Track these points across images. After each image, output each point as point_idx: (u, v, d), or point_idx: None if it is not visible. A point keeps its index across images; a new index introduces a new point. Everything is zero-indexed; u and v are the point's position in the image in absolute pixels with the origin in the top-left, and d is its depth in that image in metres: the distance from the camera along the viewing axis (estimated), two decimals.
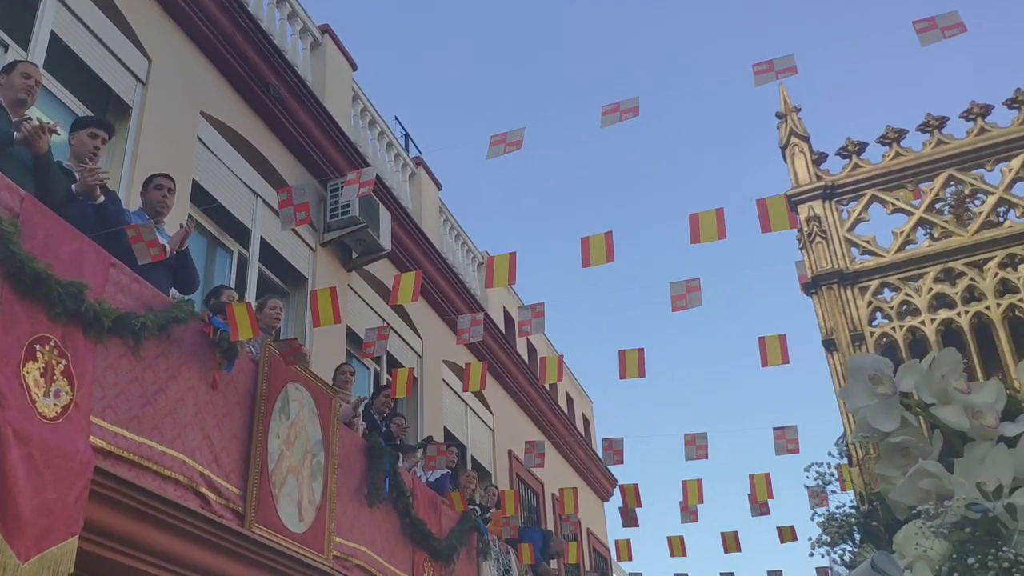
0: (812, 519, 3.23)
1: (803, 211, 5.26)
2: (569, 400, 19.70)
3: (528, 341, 16.92)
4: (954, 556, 2.42)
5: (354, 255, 9.71)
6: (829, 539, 3.14)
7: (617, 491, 11.63)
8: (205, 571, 5.35)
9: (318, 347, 8.39)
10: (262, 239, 8.35)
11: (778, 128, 5.68)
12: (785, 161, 5.53)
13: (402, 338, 11.16)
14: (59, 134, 4.87)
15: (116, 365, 4.79)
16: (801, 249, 5.24)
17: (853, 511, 3.17)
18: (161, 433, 5.01)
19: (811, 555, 3.21)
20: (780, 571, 11.15)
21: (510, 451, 14.38)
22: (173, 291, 5.71)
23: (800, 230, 5.24)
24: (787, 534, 9.67)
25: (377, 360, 10.39)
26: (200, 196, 7.53)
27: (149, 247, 4.92)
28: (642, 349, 6.74)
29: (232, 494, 5.60)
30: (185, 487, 5.16)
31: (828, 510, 3.20)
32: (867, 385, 2.76)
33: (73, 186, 5.07)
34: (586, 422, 20.53)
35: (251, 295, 7.90)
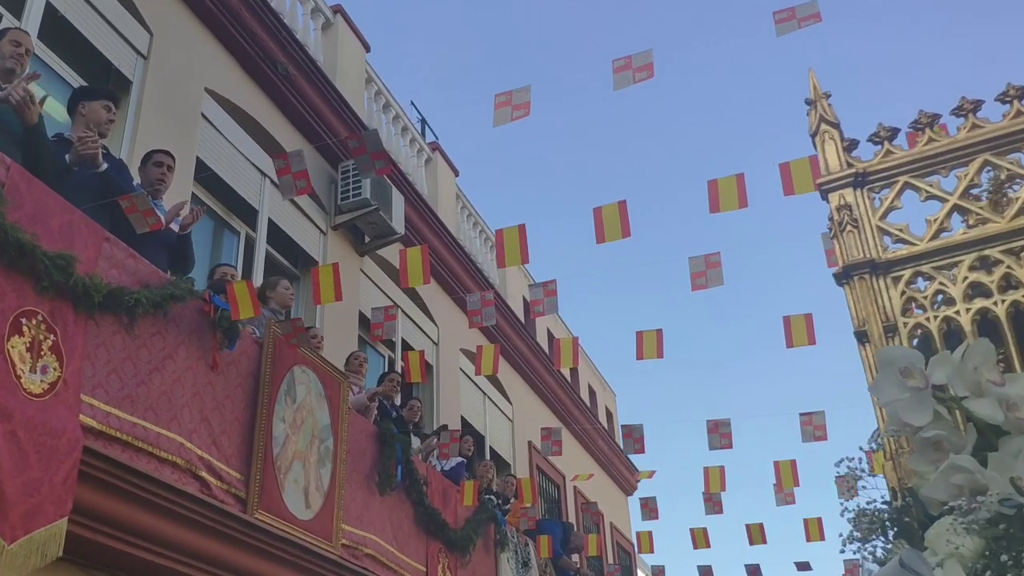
0: (842, 515, 3.08)
1: (834, 199, 5.06)
2: (592, 393, 19.47)
3: (548, 329, 16.71)
4: (987, 553, 2.36)
5: (366, 239, 9.54)
6: (860, 535, 2.99)
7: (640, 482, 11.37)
8: (205, 558, 5.20)
9: (329, 332, 8.22)
10: (270, 220, 8.19)
11: (807, 115, 5.48)
12: (815, 148, 5.33)
13: (417, 325, 10.99)
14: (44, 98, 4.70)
15: (109, 342, 4.64)
16: (832, 238, 5.02)
17: (885, 506, 3.01)
18: (156, 414, 4.86)
19: (842, 551, 3.08)
20: (807, 563, 10.87)
21: (530, 442, 14.18)
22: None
23: (831, 219, 5.03)
24: (814, 529, 9.38)
25: (391, 346, 10.22)
26: (205, 175, 7.38)
27: (145, 216, 4.75)
28: (660, 330, 6.54)
29: (233, 479, 5.44)
30: (183, 470, 5.00)
31: (859, 504, 3.05)
32: (898, 378, 2.68)
33: (67, 156, 4.91)
34: (609, 415, 20.29)
35: (259, 277, 7.75)
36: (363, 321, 9.18)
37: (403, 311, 10.64)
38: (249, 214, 8.03)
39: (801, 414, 7.10)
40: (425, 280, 5.44)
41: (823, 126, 5.35)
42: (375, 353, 10.14)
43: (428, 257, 5.37)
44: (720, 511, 8.36)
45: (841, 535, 3.17)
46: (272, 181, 7.82)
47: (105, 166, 5.07)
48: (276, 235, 8.35)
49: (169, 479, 4.83)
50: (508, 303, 13.97)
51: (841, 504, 3.06)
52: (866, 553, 3.05)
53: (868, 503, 3.08)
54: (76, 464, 4.14)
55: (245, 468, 5.55)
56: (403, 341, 10.27)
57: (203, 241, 7.42)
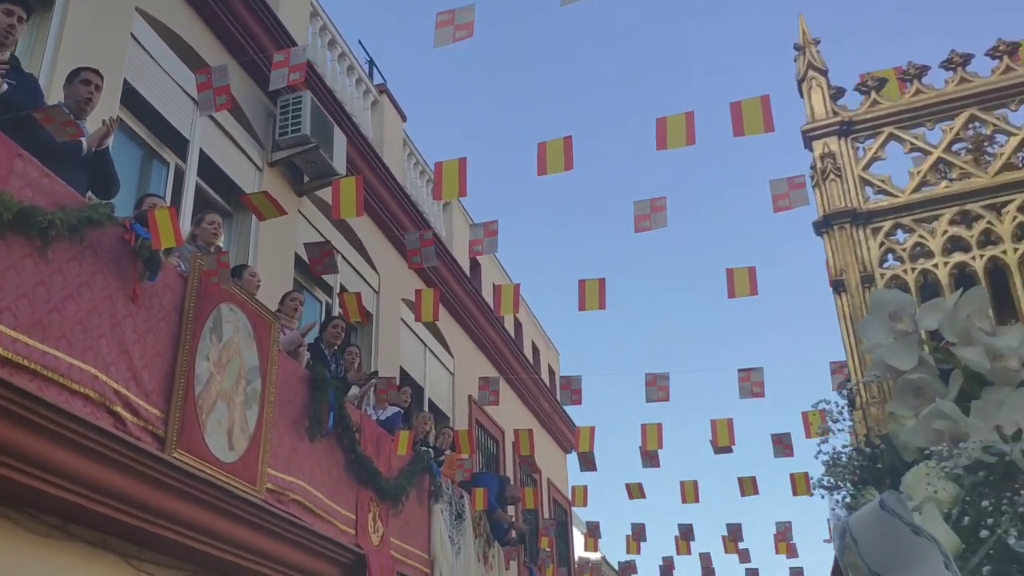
0: (816, 457, 3.08)
1: (818, 147, 5.07)
2: (535, 351, 19.52)
3: (493, 284, 16.62)
4: (966, 499, 2.40)
5: (305, 179, 9.29)
6: (832, 481, 3.02)
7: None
8: (119, 496, 5.05)
9: (262, 273, 7.99)
10: (202, 152, 7.90)
11: (795, 60, 5.48)
12: (801, 95, 5.33)
13: (357, 271, 10.80)
14: None
15: (19, 265, 4.44)
16: (814, 187, 5.06)
17: (855, 453, 3.03)
18: (70, 344, 4.67)
19: (812, 495, 3.10)
20: (739, 525, 11.10)
21: (470, 396, 14.14)
22: (89, 195, 5.32)
23: (813, 167, 5.05)
24: (748, 486, 9.57)
25: (328, 291, 10.04)
26: (133, 99, 7.07)
27: (64, 127, 4.51)
28: (603, 279, 6.50)
29: (152, 416, 5.29)
30: (96, 404, 4.84)
31: (834, 448, 3.04)
32: (886, 322, 2.73)
33: None
34: (552, 373, 20.37)
35: (188, 211, 7.49)
36: (299, 263, 8.98)
37: (343, 256, 10.44)
38: (180, 144, 7.74)
39: (740, 370, 7.16)
40: (358, 212, 5.28)
41: (811, 72, 5.33)
42: (312, 298, 9.95)
43: (363, 188, 5.21)
44: (657, 464, 8.42)
45: (812, 478, 3.17)
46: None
47: (5, 87, 4.79)
48: (208, 168, 8.08)
49: (81, 412, 4.67)
50: (454, 255, 13.84)
51: (817, 447, 3.04)
52: (837, 499, 3.05)
53: (844, 447, 3.08)
54: None
55: (164, 405, 5.40)
56: (342, 287, 10.07)
57: (130, 170, 7.14)
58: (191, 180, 7.71)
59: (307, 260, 7.86)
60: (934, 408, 2.62)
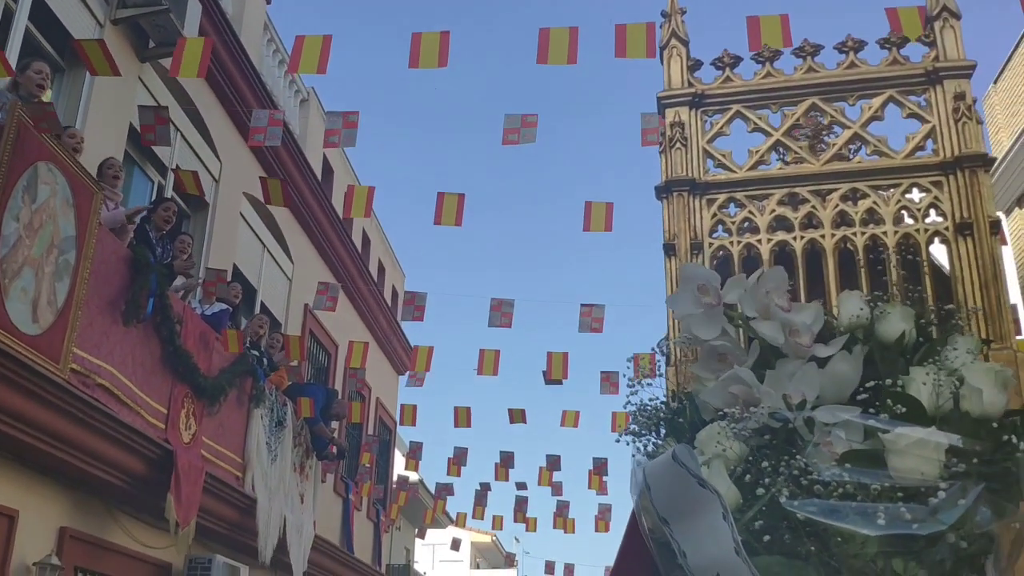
0: (624, 407, 3.26)
1: (669, 115, 5.40)
2: (381, 269, 19.31)
3: (347, 186, 16.22)
4: (750, 459, 2.61)
5: (151, 44, 8.67)
6: (637, 428, 3.23)
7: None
8: None
9: (92, 139, 7.46)
10: None
11: (661, 28, 5.68)
12: (661, 63, 5.57)
13: (199, 157, 10.26)
14: None
15: None
16: (660, 153, 5.34)
17: (663, 405, 3.24)
18: None
19: (617, 441, 3.29)
20: (559, 456, 11.54)
21: (306, 305, 13.87)
22: None
23: (663, 134, 5.30)
24: (570, 418, 10.00)
25: (163, 172, 9.49)
26: None
27: None
28: (462, 195, 6.47)
29: None
30: None
31: (643, 400, 3.23)
32: (694, 294, 2.96)
33: None
34: (395, 294, 20.25)
35: (13, 57, 6.84)
36: (133, 136, 8.42)
37: (185, 138, 9.89)
38: None
39: (582, 305, 7.32)
40: (200, 72, 4.98)
41: (673, 41, 5.57)
42: (143, 177, 9.40)
43: (210, 52, 4.89)
44: (495, 373, 8.57)
45: (621, 428, 3.34)
46: None
47: None
48: (42, 14, 7.40)
49: None
50: (307, 156, 13.38)
51: (627, 396, 3.20)
52: (640, 446, 3.23)
53: (651, 400, 3.27)
54: None
55: None
56: (178, 167, 9.52)
57: None
58: (21, 22, 7.05)
59: (139, 128, 7.39)
60: (732, 373, 2.84)
